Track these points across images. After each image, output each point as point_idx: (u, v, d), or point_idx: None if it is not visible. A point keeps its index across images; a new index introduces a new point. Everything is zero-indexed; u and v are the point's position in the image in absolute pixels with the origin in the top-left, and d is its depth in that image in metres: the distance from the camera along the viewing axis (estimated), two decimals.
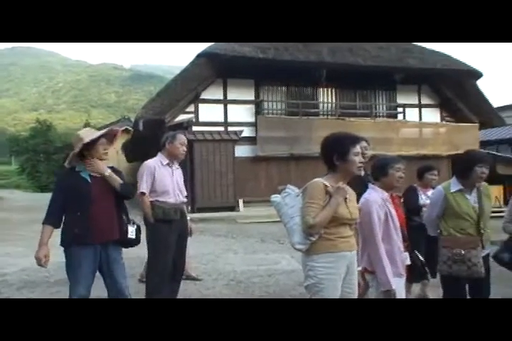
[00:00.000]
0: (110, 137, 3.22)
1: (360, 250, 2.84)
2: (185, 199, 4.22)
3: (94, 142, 3.05)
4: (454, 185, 3.32)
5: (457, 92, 14.80)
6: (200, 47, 14.21)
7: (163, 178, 3.97)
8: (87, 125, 46.60)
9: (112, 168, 3.21)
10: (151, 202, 3.95)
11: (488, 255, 3.41)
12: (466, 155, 3.43)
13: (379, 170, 2.96)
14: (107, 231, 3.06)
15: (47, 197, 3.85)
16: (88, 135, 3.07)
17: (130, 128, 19.28)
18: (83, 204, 2.99)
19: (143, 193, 3.95)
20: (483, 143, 17.19)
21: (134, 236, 3.17)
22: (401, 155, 13.19)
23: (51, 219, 3.04)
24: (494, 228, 3.55)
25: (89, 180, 3.06)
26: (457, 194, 3.29)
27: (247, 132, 13.17)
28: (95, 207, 3.01)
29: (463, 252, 3.10)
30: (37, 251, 2.97)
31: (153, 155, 4.21)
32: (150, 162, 4.04)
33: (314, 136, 11.86)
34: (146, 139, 13.03)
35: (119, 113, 63.70)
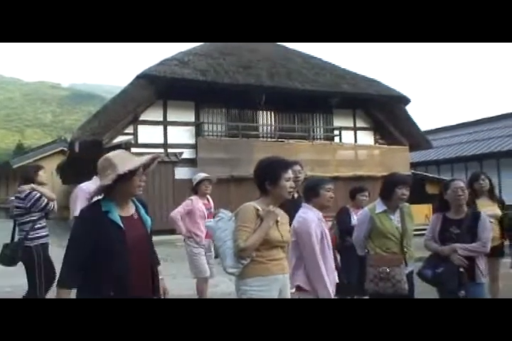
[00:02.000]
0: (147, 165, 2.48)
1: (293, 269, 2.90)
2: None
3: (133, 172, 2.25)
4: (379, 206, 3.52)
5: (388, 116, 15.61)
6: (142, 67, 14.14)
7: None
8: (20, 145, 44.67)
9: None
10: None
11: (412, 272, 3.61)
12: (387, 177, 3.66)
13: (310, 191, 3.05)
14: (146, 289, 2.36)
15: None
16: (124, 161, 2.28)
17: (66, 149, 18.68)
18: (119, 260, 2.20)
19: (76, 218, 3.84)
20: (414, 165, 18.16)
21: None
22: (338, 177, 13.58)
23: (74, 280, 2.18)
24: (422, 245, 3.77)
25: (121, 224, 2.24)
26: (382, 214, 3.48)
27: (187, 154, 13.14)
28: (131, 259, 2.24)
29: (388, 270, 3.27)
30: None
31: (91, 177, 4.11)
32: (85, 185, 3.95)
33: (254, 157, 11.99)
34: (83, 161, 12.66)
35: (56, 133, 61.37)
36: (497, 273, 4.77)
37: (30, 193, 4.45)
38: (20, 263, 4.52)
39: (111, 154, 2.36)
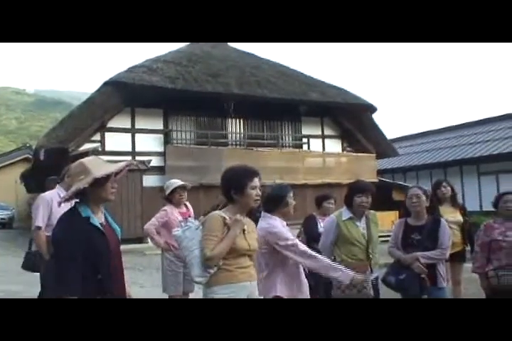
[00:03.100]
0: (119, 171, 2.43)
1: (266, 280, 2.91)
2: None
3: (107, 177, 2.23)
4: (345, 213, 3.58)
5: (355, 125, 15.91)
6: (110, 73, 13.97)
7: (61, 212, 3.81)
8: None
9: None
10: (47, 236, 3.77)
11: (377, 278, 3.68)
12: (349, 185, 3.76)
13: (278, 200, 3.05)
14: (124, 295, 2.39)
15: None
16: (98, 166, 2.27)
17: (31, 157, 18.23)
18: (104, 266, 2.20)
19: (38, 227, 3.77)
20: (381, 172, 18.52)
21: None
22: (306, 184, 13.69)
23: (78, 290, 2.10)
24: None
25: (102, 229, 2.25)
26: (348, 222, 3.54)
27: (155, 162, 13.03)
28: (112, 265, 2.26)
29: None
30: None
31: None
32: (47, 194, 3.88)
33: (223, 165, 12.00)
34: (48, 169, 12.38)
35: (21, 140, 59.61)
36: (459, 277, 4.91)
37: None
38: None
39: (84, 159, 2.33)
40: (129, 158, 12.83)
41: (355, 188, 3.60)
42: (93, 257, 2.16)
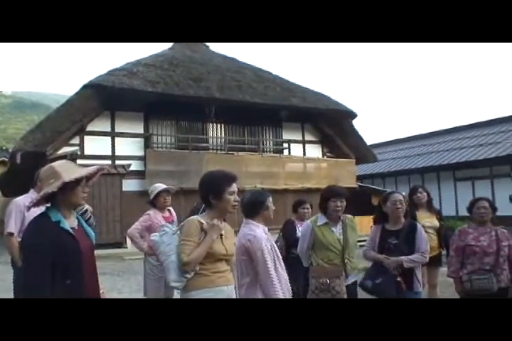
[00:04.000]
0: (91, 176, 2.40)
1: (247, 287, 2.89)
2: None
3: (77, 182, 2.22)
4: (321, 218, 3.63)
5: (336, 130, 16.05)
6: (91, 76, 13.80)
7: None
8: None
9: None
10: (20, 242, 3.70)
11: (355, 282, 3.71)
12: (323, 191, 3.79)
13: (259, 205, 3.00)
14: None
15: None
16: (69, 170, 2.25)
17: (7, 160, 17.91)
18: (74, 271, 2.17)
19: (11, 234, 3.69)
20: (360, 177, 18.72)
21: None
22: (287, 189, 13.73)
23: (46, 294, 2.07)
24: None
25: (73, 233, 2.21)
26: (324, 227, 3.58)
27: (135, 166, 12.91)
28: (84, 270, 2.22)
29: (328, 281, 3.35)
30: None
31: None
32: (20, 199, 3.80)
33: (204, 170, 11.97)
34: (25, 172, 12.16)
35: None
36: (435, 280, 4.99)
37: None
38: None
39: (55, 163, 2.32)
40: (109, 162, 12.70)
41: (330, 193, 3.65)
42: (63, 261, 2.12)
